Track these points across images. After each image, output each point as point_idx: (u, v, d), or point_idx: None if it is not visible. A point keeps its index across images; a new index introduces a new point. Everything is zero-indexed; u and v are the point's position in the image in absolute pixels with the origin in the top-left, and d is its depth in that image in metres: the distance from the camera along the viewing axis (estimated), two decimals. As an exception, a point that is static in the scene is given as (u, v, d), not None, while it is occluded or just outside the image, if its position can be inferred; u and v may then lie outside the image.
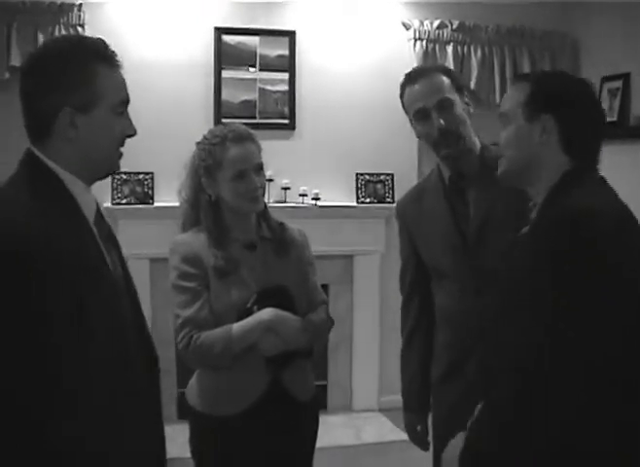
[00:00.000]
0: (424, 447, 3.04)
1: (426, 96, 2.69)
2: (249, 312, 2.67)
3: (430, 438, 2.99)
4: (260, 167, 2.76)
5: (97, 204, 1.96)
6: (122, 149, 1.94)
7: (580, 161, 2.08)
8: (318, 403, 2.94)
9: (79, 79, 1.81)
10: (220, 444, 2.71)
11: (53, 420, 1.63)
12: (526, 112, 2.10)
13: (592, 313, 1.82)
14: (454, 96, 2.70)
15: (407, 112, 2.79)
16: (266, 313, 2.66)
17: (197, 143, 2.81)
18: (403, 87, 2.78)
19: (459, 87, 2.75)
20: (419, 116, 2.71)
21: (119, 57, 1.91)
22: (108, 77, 1.86)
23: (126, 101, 1.93)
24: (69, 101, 1.80)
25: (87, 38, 1.90)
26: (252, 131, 2.82)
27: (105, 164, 1.93)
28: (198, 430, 2.78)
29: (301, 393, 2.79)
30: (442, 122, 2.65)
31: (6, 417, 1.61)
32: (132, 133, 1.94)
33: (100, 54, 1.86)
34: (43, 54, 1.86)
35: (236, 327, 2.64)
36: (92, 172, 1.90)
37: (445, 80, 2.71)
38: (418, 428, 3.01)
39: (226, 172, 2.72)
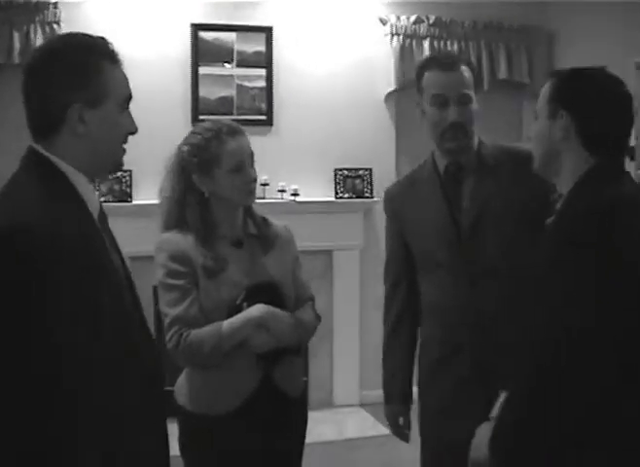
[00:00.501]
0: (405, 438, 3.04)
1: (450, 86, 2.69)
2: (239, 309, 2.65)
3: (417, 430, 2.97)
4: (253, 160, 2.77)
5: (100, 202, 1.96)
6: (125, 146, 1.95)
7: (603, 157, 2.09)
8: (306, 399, 2.93)
9: (88, 75, 1.82)
10: (212, 443, 2.68)
11: (53, 420, 1.63)
12: (549, 109, 2.15)
13: (612, 307, 1.83)
14: (472, 93, 2.72)
15: (420, 92, 2.78)
16: (257, 310, 2.64)
17: (185, 139, 2.78)
18: (424, 68, 2.77)
19: (476, 83, 2.77)
20: (437, 102, 2.70)
21: (120, 55, 1.91)
22: (113, 73, 1.87)
23: (130, 98, 1.94)
24: (79, 97, 1.81)
25: (89, 35, 1.90)
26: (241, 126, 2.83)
27: (111, 160, 1.93)
28: (189, 430, 2.74)
29: (291, 389, 2.78)
30: (457, 116, 2.67)
31: (4, 415, 1.61)
32: (134, 131, 1.95)
33: (104, 51, 1.87)
34: (49, 52, 1.86)
35: (226, 324, 2.62)
36: (98, 169, 1.91)
37: (468, 75, 2.72)
38: (400, 420, 3.00)
39: (223, 165, 2.70)
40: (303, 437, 2.92)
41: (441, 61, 2.77)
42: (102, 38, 1.90)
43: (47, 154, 1.82)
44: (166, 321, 2.66)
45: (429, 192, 2.81)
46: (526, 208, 2.51)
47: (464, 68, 2.73)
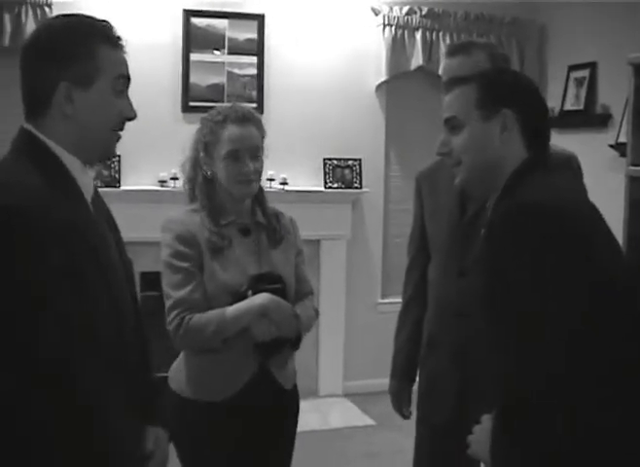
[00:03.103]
0: (405, 415, 3.08)
1: (456, 71, 2.68)
2: (243, 296, 2.65)
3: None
4: (256, 151, 2.74)
5: (95, 185, 1.94)
6: (120, 133, 1.92)
7: (537, 152, 2.02)
8: (297, 392, 2.94)
9: (78, 53, 1.80)
10: (207, 430, 2.68)
11: (38, 407, 1.63)
12: (482, 111, 2.01)
13: (584, 308, 1.76)
14: None
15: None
16: (262, 298, 2.65)
17: (202, 118, 2.81)
18: (445, 56, 2.81)
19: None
20: (445, 87, 2.72)
21: (123, 40, 1.90)
22: (108, 54, 1.85)
23: (126, 78, 1.91)
24: (67, 75, 1.79)
25: (91, 17, 1.89)
26: (257, 115, 2.82)
27: (100, 145, 1.89)
28: (183, 416, 2.72)
29: (285, 381, 2.79)
30: None
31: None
32: (132, 116, 1.91)
33: (103, 34, 1.85)
34: (43, 30, 1.85)
35: (231, 310, 2.62)
36: (88, 153, 1.87)
37: (483, 59, 2.70)
38: (402, 396, 3.04)
39: (221, 151, 2.71)
40: (295, 428, 2.93)
41: (455, 47, 2.80)
42: (107, 22, 1.88)
43: (39, 135, 1.80)
44: (168, 303, 2.65)
45: (448, 179, 2.81)
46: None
47: (477, 52, 2.72)
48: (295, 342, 2.81)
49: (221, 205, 2.76)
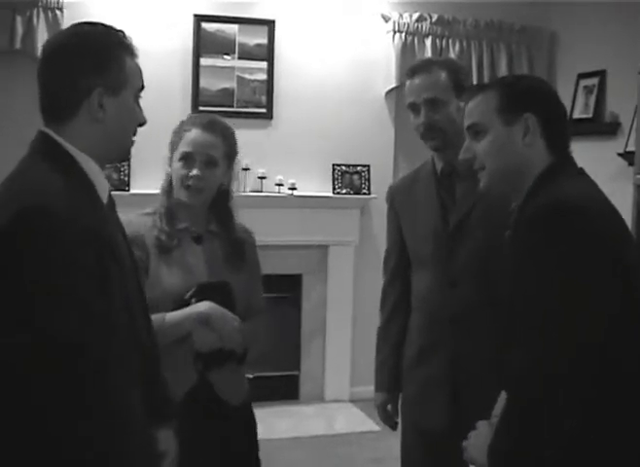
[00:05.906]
0: (393, 426, 3.11)
1: (417, 92, 2.77)
2: (186, 304, 2.58)
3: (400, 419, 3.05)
4: (211, 161, 2.66)
5: (109, 188, 1.97)
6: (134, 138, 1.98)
7: (560, 156, 2.06)
8: (250, 408, 2.83)
9: (110, 61, 1.85)
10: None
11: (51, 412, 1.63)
12: (504, 116, 2.05)
13: (602, 293, 1.79)
14: (447, 95, 2.73)
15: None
16: (205, 306, 2.57)
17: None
18: (406, 78, 2.86)
19: (458, 85, 2.76)
20: (411, 109, 2.81)
21: (137, 49, 1.95)
22: (131, 65, 1.91)
23: (142, 89, 1.98)
24: (101, 82, 1.83)
25: (110, 26, 1.93)
26: (227, 127, 2.75)
27: (122, 149, 1.96)
28: None
29: (230, 396, 2.69)
30: (424, 120, 2.73)
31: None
32: (144, 122, 1.98)
33: (127, 44, 1.92)
34: (73, 38, 1.88)
35: (170, 316, 2.55)
36: (108, 156, 1.93)
37: (443, 77, 2.74)
38: (388, 408, 3.07)
39: (177, 152, 2.68)
40: (249, 448, 2.82)
41: (414, 68, 2.84)
42: (122, 31, 1.94)
43: (58, 139, 1.83)
44: None
45: (425, 191, 2.85)
46: (506, 213, 2.53)
47: (438, 71, 2.76)
48: (241, 358, 2.69)
49: (175, 209, 2.70)
